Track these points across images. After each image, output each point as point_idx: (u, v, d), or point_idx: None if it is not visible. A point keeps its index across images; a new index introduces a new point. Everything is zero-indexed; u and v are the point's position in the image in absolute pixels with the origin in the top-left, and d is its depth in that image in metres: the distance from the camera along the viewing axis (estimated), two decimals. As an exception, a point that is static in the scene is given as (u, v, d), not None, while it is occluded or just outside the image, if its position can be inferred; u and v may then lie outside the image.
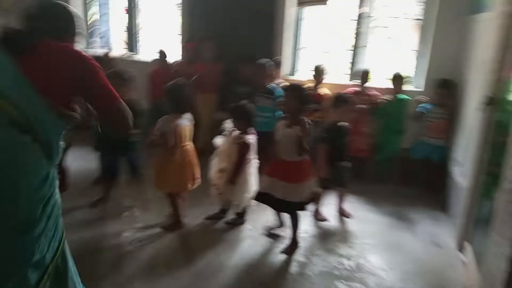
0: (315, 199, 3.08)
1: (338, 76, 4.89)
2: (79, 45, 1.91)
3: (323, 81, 4.51)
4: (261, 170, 3.18)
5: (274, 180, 2.93)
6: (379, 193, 4.16)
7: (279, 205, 3.01)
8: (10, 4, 5.06)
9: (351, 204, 3.83)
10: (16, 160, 1.45)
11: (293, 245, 3.04)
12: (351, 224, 3.54)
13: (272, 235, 3.23)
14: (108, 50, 5.02)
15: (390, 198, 4.07)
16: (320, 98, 4.43)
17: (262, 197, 3.03)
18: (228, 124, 3.25)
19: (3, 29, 1.63)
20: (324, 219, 3.55)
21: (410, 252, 3.12)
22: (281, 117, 3.04)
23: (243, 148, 3.08)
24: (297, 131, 2.80)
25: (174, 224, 3.25)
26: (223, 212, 3.43)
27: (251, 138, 3.14)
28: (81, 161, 4.29)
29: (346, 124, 3.45)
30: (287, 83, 3.50)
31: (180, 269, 2.75)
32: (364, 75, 4.40)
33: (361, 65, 4.71)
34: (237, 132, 3.16)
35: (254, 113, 3.17)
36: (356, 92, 4.35)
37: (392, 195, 4.13)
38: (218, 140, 3.24)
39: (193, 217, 3.41)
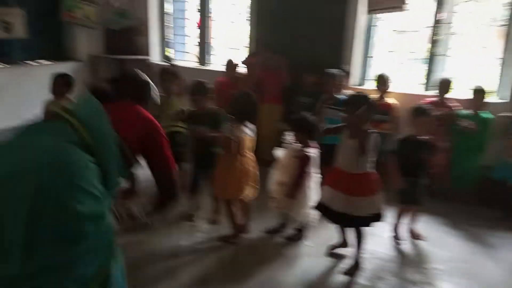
0: (382, 216, 2.89)
1: (412, 86, 4.62)
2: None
3: (388, 90, 4.29)
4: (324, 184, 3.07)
5: (336, 192, 2.79)
6: (456, 213, 3.84)
7: (340, 219, 2.87)
8: (95, 21, 5.47)
9: (424, 224, 3.54)
10: (80, 171, 1.51)
11: (356, 265, 2.88)
12: (423, 247, 3.28)
13: (334, 254, 3.09)
14: (172, 62, 5.17)
15: (468, 219, 3.73)
16: (387, 108, 4.22)
17: (322, 209, 2.90)
18: (289, 136, 3.19)
19: (92, 85, 2.01)
20: (400, 239, 3.34)
21: (488, 282, 2.82)
22: (341, 127, 2.88)
23: (304, 161, 3.00)
24: (359, 143, 2.67)
25: (231, 236, 3.23)
26: (282, 226, 3.35)
27: (312, 152, 3.04)
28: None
29: (428, 138, 3.20)
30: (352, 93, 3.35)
31: (234, 284, 2.71)
32: (444, 85, 4.08)
33: (439, 75, 4.40)
34: (297, 145, 3.08)
35: (315, 126, 3.07)
36: (433, 103, 4.06)
37: (470, 217, 3.79)
38: (279, 152, 3.19)
39: (251, 230, 3.36)
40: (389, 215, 3.47)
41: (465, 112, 3.99)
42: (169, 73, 3.94)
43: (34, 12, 5.13)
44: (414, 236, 3.39)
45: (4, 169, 1.44)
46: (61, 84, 3.74)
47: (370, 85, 4.80)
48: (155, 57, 6.01)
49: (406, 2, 4.23)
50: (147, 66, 5.84)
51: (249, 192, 3.15)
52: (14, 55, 4.91)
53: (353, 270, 2.87)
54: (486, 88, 3.92)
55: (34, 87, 3.93)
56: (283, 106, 4.83)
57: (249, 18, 5.19)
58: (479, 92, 3.90)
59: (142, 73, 2.24)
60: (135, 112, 1.96)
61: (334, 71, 4.21)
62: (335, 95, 4.14)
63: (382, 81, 4.28)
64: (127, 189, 3.93)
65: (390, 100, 4.29)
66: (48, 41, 5.40)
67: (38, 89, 3.71)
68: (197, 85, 3.37)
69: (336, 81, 4.18)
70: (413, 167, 3.17)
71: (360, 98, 2.79)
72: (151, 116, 2.02)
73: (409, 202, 3.30)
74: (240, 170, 3.08)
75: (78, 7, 5.34)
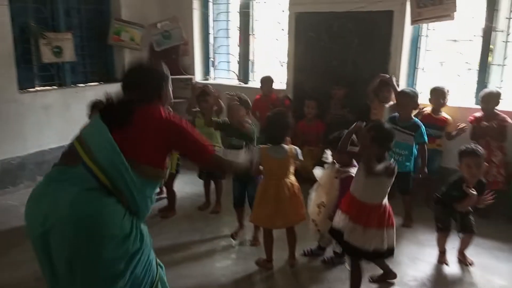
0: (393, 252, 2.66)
1: (461, 99, 4.33)
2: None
3: (444, 105, 4.02)
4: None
5: (346, 218, 2.57)
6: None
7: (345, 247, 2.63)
8: (140, 43, 5.64)
9: (475, 248, 3.22)
10: (101, 219, 1.68)
11: None
12: (472, 273, 2.99)
13: (378, 280, 2.88)
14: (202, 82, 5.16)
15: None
16: (442, 123, 3.99)
17: (335, 233, 2.67)
18: (329, 155, 3.05)
19: (106, 99, 1.96)
20: (445, 262, 3.10)
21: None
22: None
23: (346, 182, 2.81)
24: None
25: (263, 262, 3.07)
26: (321, 249, 3.18)
27: (353, 171, 2.87)
28: (189, 186, 4.47)
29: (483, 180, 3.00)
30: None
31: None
32: (493, 97, 3.79)
33: (490, 86, 4.09)
34: (338, 165, 2.94)
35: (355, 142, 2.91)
36: (482, 117, 3.82)
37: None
38: (318, 172, 3.05)
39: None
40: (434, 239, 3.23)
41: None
42: (205, 94, 3.93)
43: (83, 37, 5.38)
44: (463, 261, 3.13)
45: (39, 221, 1.68)
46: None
47: (420, 99, 4.56)
48: (198, 76, 6.09)
49: (455, 10, 3.99)
50: (192, 85, 5.93)
51: (280, 222, 2.95)
52: (64, 78, 5.14)
53: None
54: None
55: (82, 108, 4.05)
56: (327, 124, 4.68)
57: (288, 34, 5.13)
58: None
59: (162, 64, 2.20)
60: (150, 118, 1.92)
61: (408, 89, 4.00)
62: (410, 117, 3.78)
63: (435, 94, 4.01)
64: (166, 207, 3.96)
65: (445, 114, 4.04)
66: (96, 63, 5.63)
67: (85, 110, 3.84)
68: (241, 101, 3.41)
69: (411, 100, 3.81)
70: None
71: (378, 127, 2.61)
72: (166, 113, 1.98)
73: (460, 231, 3.10)
74: (270, 197, 2.88)
75: (125, 31, 5.54)
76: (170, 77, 2.17)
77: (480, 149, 2.98)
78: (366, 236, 2.49)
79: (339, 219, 2.62)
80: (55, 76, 5.07)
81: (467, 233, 3.08)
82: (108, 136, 1.78)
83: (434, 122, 4.02)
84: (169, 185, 3.94)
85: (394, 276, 2.88)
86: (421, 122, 3.78)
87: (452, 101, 4.25)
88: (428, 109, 4.11)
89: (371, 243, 2.50)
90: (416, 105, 3.90)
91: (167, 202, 4.01)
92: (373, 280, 2.88)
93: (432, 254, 3.25)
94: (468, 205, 2.97)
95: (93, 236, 1.64)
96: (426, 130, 3.74)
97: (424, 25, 4.44)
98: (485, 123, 3.79)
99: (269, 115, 3.00)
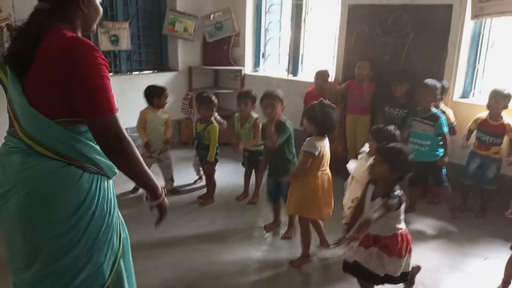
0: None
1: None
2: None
3: (504, 109, 3.71)
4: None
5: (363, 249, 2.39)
6: None
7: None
8: (192, 33, 5.76)
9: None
10: (49, 184, 1.47)
11: None
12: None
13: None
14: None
15: None
16: (501, 130, 3.69)
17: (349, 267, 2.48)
18: (366, 148, 2.95)
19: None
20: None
21: None
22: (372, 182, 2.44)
23: None
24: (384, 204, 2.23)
25: (301, 259, 3.01)
26: None
27: None
28: (231, 176, 4.51)
29: None
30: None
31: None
32: None
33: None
34: (369, 156, 2.83)
35: (398, 139, 2.79)
36: None
37: None
38: (352, 165, 2.96)
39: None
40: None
41: None
42: (246, 96, 3.83)
43: (140, 26, 5.59)
44: None
45: None
46: (166, 97, 4.05)
47: (477, 99, 4.27)
48: (248, 68, 6.11)
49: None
50: (241, 77, 5.98)
51: (323, 212, 2.94)
52: (120, 65, 5.39)
53: None
54: None
55: (136, 95, 4.23)
56: (370, 117, 4.57)
57: (340, 27, 4.99)
58: None
59: None
60: (59, 44, 1.45)
61: (430, 81, 3.81)
62: (429, 109, 3.73)
63: (495, 97, 3.68)
64: (205, 195, 4.03)
65: (507, 119, 3.72)
66: (151, 53, 5.83)
67: (140, 97, 4.00)
68: (266, 93, 3.29)
69: (433, 93, 3.74)
70: None
71: (395, 151, 2.34)
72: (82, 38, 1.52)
73: None
74: (317, 188, 2.88)
75: (179, 21, 5.68)
76: None
77: None
78: (379, 261, 2.34)
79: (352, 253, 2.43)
80: (112, 63, 5.30)
81: None
82: (21, 94, 1.45)
83: (492, 129, 3.72)
84: (208, 173, 4.00)
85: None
86: (478, 129, 3.79)
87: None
88: (484, 114, 3.79)
89: (384, 269, 2.35)
90: (435, 98, 3.76)
91: (206, 190, 4.07)
92: None
93: (475, 264, 3.05)
94: None
95: (44, 203, 1.46)
96: (482, 137, 3.74)
97: (488, 21, 4.14)
98: None
99: (312, 106, 2.92)
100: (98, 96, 1.42)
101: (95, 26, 1.65)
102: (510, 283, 2.64)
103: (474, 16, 3.96)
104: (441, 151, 3.69)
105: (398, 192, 2.30)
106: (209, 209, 3.86)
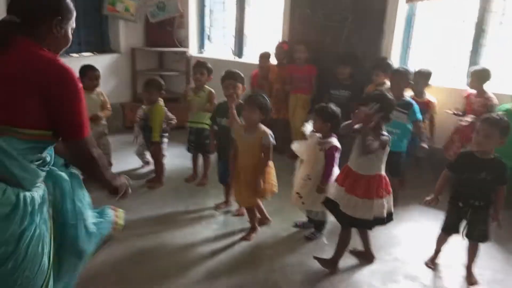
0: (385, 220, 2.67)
1: (456, 79, 4.32)
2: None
3: (426, 87, 4.00)
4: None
5: (341, 189, 2.66)
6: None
7: (342, 219, 2.70)
8: (135, 14, 5.61)
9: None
10: None
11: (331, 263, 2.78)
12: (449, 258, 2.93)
13: (356, 255, 2.95)
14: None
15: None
16: (425, 106, 3.93)
17: (331, 205, 2.75)
18: (309, 126, 3.08)
19: None
20: (430, 265, 2.88)
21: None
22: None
23: (331, 153, 2.89)
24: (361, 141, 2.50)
25: (251, 230, 3.17)
26: (311, 221, 3.23)
27: (335, 141, 2.93)
28: (180, 159, 4.53)
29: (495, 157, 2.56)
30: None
31: (243, 279, 2.67)
32: (480, 75, 3.76)
33: (480, 66, 4.07)
34: (318, 136, 2.97)
35: (339, 116, 2.94)
36: (471, 95, 3.87)
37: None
38: (297, 146, 3.08)
39: (272, 226, 3.32)
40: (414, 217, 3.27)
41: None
42: (202, 66, 3.91)
43: (78, 6, 5.32)
44: (469, 280, 2.72)
45: None
46: (92, 77, 3.86)
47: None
48: (193, 49, 6.07)
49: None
50: (186, 58, 5.93)
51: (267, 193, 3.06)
52: (58, 48, 5.16)
53: (326, 263, 2.78)
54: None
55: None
56: (311, 97, 4.73)
57: (284, 9, 5.08)
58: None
59: None
60: (29, 57, 1.52)
61: (401, 67, 3.95)
62: (402, 95, 3.69)
63: (419, 77, 3.95)
64: (153, 178, 4.03)
65: (429, 97, 4.01)
66: (91, 34, 5.62)
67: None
68: (228, 73, 3.34)
69: (404, 78, 3.72)
70: (472, 192, 2.61)
71: (376, 96, 2.59)
72: (57, 59, 1.57)
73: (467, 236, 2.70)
74: (270, 171, 3.02)
75: (120, 1, 5.50)
76: (74, 15, 1.69)
77: (501, 119, 2.53)
78: (366, 207, 2.56)
79: (335, 191, 2.69)
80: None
81: (472, 241, 2.72)
82: None
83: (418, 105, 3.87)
84: (155, 155, 3.99)
85: (372, 258, 2.90)
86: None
87: (444, 81, 4.27)
88: (410, 93, 3.97)
89: (371, 213, 2.57)
90: (407, 84, 3.79)
91: (155, 174, 4.07)
92: (353, 253, 2.95)
93: (409, 230, 3.33)
94: None
95: None
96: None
97: (419, 4, 4.39)
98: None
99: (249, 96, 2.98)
100: (76, 122, 1.57)
101: (60, 52, 1.70)
102: (440, 251, 2.89)
103: (408, 0, 4.19)
104: (405, 142, 3.71)
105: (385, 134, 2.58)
106: (158, 192, 3.87)
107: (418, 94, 3.98)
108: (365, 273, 2.77)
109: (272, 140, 2.91)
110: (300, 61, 4.71)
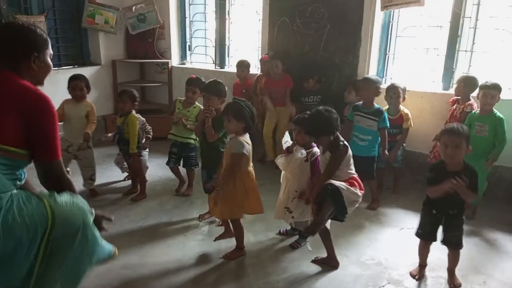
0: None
1: (432, 84, 4.41)
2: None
3: (401, 102, 4.03)
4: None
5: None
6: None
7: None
8: (114, 26, 5.60)
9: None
10: None
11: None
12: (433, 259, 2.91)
13: (319, 262, 2.95)
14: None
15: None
16: (400, 121, 4.00)
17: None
18: (288, 139, 3.10)
19: None
20: (415, 276, 2.82)
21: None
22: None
23: (316, 163, 2.94)
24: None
25: (236, 251, 3.04)
26: (294, 229, 3.23)
27: (317, 151, 2.96)
28: (163, 170, 4.50)
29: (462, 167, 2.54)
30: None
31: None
32: (471, 83, 3.77)
33: (461, 72, 4.16)
34: (299, 147, 2.97)
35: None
36: (455, 101, 3.93)
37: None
38: (281, 161, 3.01)
39: (256, 234, 3.32)
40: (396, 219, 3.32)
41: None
42: (195, 84, 3.85)
43: (57, 20, 5.33)
44: (451, 283, 2.75)
45: None
46: (75, 87, 3.82)
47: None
48: (175, 60, 6.07)
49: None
50: (168, 70, 5.93)
51: (253, 208, 2.97)
52: (37, 61, 5.12)
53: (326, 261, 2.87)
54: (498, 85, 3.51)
55: (55, 91, 4.03)
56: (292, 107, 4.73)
57: (262, 19, 5.14)
58: (493, 88, 3.48)
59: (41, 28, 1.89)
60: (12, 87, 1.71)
61: (371, 76, 4.03)
62: (372, 103, 3.82)
63: (392, 92, 3.97)
64: (135, 190, 4.00)
65: (404, 110, 4.03)
66: (70, 47, 5.60)
67: (60, 93, 3.82)
68: (209, 83, 3.29)
69: (372, 86, 3.81)
70: (446, 202, 2.57)
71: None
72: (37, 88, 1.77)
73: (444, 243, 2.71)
74: (250, 183, 2.91)
75: (99, 14, 5.49)
76: (49, 42, 1.85)
77: (462, 128, 2.55)
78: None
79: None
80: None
81: (451, 249, 2.72)
82: None
83: (393, 123, 3.93)
84: (134, 167, 3.98)
85: (336, 264, 2.89)
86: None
87: (420, 86, 4.36)
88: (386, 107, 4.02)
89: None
90: (377, 92, 3.84)
91: (137, 186, 4.04)
92: (316, 261, 2.94)
93: (392, 235, 3.37)
94: (438, 193, 2.52)
95: None
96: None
97: (396, 12, 4.49)
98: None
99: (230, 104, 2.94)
100: (50, 145, 1.75)
101: (45, 79, 1.88)
102: (426, 265, 2.86)
103: (384, 7, 4.29)
104: (376, 147, 3.82)
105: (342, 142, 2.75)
106: (141, 204, 3.85)
107: (393, 111, 4.00)
108: (349, 278, 2.79)
109: (243, 150, 2.79)
110: (276, 76, 4.71)
